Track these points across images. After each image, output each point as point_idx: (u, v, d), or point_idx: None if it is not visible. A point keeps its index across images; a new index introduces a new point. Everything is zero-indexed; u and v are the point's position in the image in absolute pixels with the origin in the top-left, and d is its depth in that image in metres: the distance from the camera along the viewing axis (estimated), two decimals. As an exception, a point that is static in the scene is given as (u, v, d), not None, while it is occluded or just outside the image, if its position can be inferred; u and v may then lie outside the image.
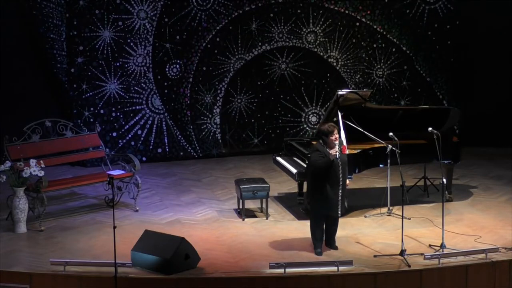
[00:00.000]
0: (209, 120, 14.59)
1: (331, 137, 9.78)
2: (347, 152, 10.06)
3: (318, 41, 14.73)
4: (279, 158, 11.99)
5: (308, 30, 14.68)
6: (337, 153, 9.71)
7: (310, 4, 14.60)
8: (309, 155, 10.14)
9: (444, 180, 10.47)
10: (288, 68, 14.74)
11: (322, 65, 14.80)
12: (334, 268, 9.35)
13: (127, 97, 14.15)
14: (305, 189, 11.83)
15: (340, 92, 11.29)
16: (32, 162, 10.77)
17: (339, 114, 11.19)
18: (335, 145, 9.78)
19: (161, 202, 12.15)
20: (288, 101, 14.81)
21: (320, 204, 9.89)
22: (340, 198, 9.88)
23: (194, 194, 12.50)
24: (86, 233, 10.79)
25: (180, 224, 11.16)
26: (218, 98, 14.57)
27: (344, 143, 10.32)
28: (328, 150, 9.78)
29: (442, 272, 9.46)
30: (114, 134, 14.13)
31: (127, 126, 14.22)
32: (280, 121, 14.85)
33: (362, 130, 11.14)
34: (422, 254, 9.72)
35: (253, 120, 14.75)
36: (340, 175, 9.84)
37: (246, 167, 13.98)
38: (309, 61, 14.76)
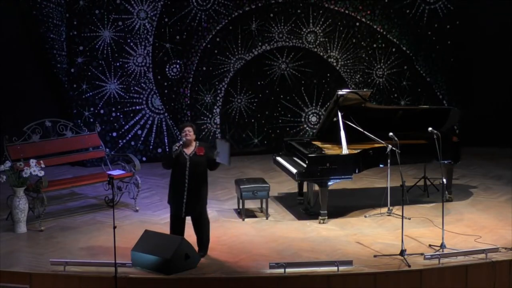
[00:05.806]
0: (209, 120, 14.59)
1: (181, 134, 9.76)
2: (202, 154, 9.75)
3: (318, 41, 14.73)
4: (279, 158, 11.97)
5: (308, 30, 14.68)
6: (178, 150, 9.64)
7: (310, 4, 14.60)
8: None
9: (444, 180, 10.47)
10: (288, 68, 14.74)
11: (322, 65, 14.79)
12: (334, 268, 9.34)
13: (127, 97, 14.14)
14: (305, 189, 11.86)
15: (340, 92, 11.29)
16: (32, 162, 10.76)
17: (339, 114, 11.20)
18: (180, 141, 9.71)
19: (161, 202, 12.12)
20: (288, 101, 14.81)
21: (170, 201, 9.95)
22: (185, 199, 9.75)
23: (194, 194, 12.48)
24: (86, 233, 10.78)
25: (180, 224, 11.14)
26: (218, 98, 14.57)
27: (201, 145, 9.89)
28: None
29: (442, 272, 9.45)
30: (114, 134, 14.13)
31: (127, 126, 14.21)
32: (280, 121, 14.84)
33: (362, 130, 11.14)
34: (422, 254, 9.70)
35: (253, 120, 14.75)
36: (187, 176, 9.74)
37: (246, 167, 13.97)
38: (309, 61, 14.76)
